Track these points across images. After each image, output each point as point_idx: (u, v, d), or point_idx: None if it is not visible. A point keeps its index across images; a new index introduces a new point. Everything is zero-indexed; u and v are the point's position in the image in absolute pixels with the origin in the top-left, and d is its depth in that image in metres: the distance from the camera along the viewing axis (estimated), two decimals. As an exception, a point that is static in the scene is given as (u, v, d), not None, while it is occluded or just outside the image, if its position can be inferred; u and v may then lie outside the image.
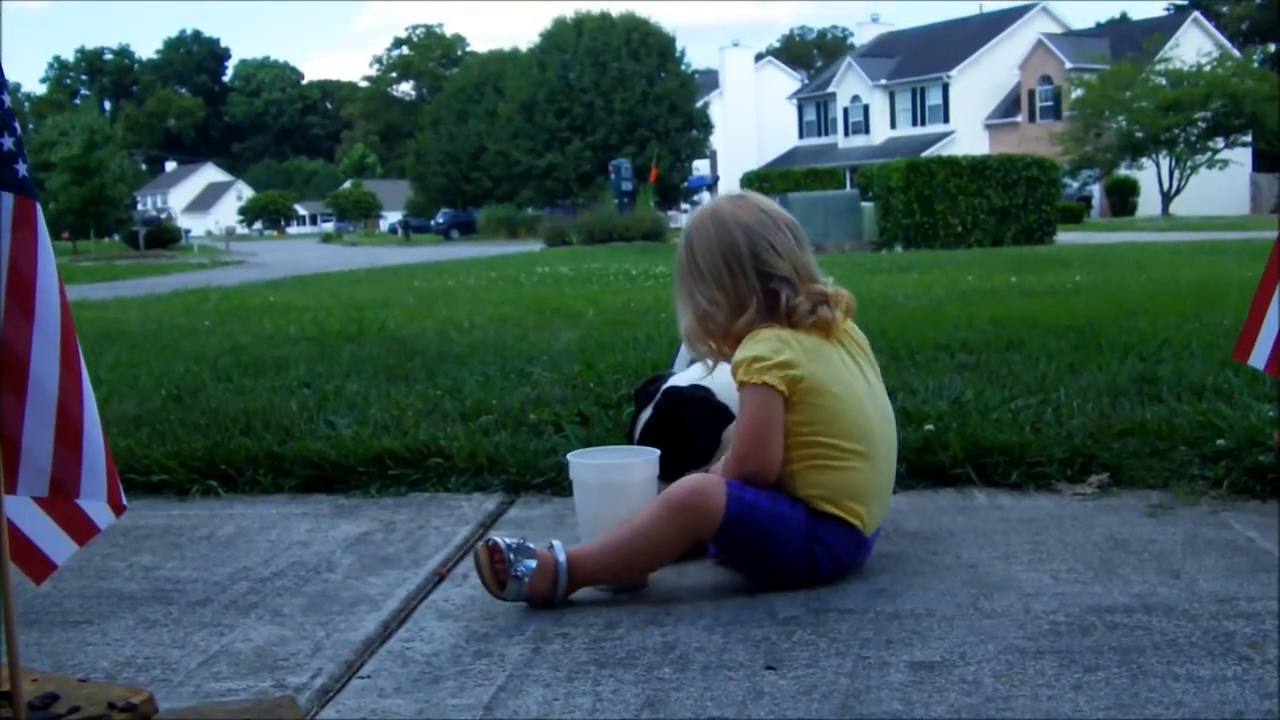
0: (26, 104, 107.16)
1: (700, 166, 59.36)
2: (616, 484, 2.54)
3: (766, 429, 2.40)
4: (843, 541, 2.42)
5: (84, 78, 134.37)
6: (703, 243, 2.49)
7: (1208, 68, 46.00)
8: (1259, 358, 2.88)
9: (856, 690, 1.89)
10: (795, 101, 67.71)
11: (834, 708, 1.82)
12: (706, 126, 57.97)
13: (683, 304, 2.54)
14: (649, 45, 55.79)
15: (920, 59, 61.07)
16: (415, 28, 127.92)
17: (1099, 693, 1.84)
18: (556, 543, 2.38)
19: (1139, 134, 45.85)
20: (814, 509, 2.39)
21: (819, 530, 2.39)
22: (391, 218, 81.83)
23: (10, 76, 1.55)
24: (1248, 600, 2.25)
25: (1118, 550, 2.60)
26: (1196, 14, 57.46)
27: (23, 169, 1.53)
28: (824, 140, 64.04)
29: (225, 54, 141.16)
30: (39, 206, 1.55)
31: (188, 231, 69.08)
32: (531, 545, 2.35)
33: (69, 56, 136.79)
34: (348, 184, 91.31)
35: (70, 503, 1.63)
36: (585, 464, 2.60)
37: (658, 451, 2.61)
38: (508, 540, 2.33)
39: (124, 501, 1.67)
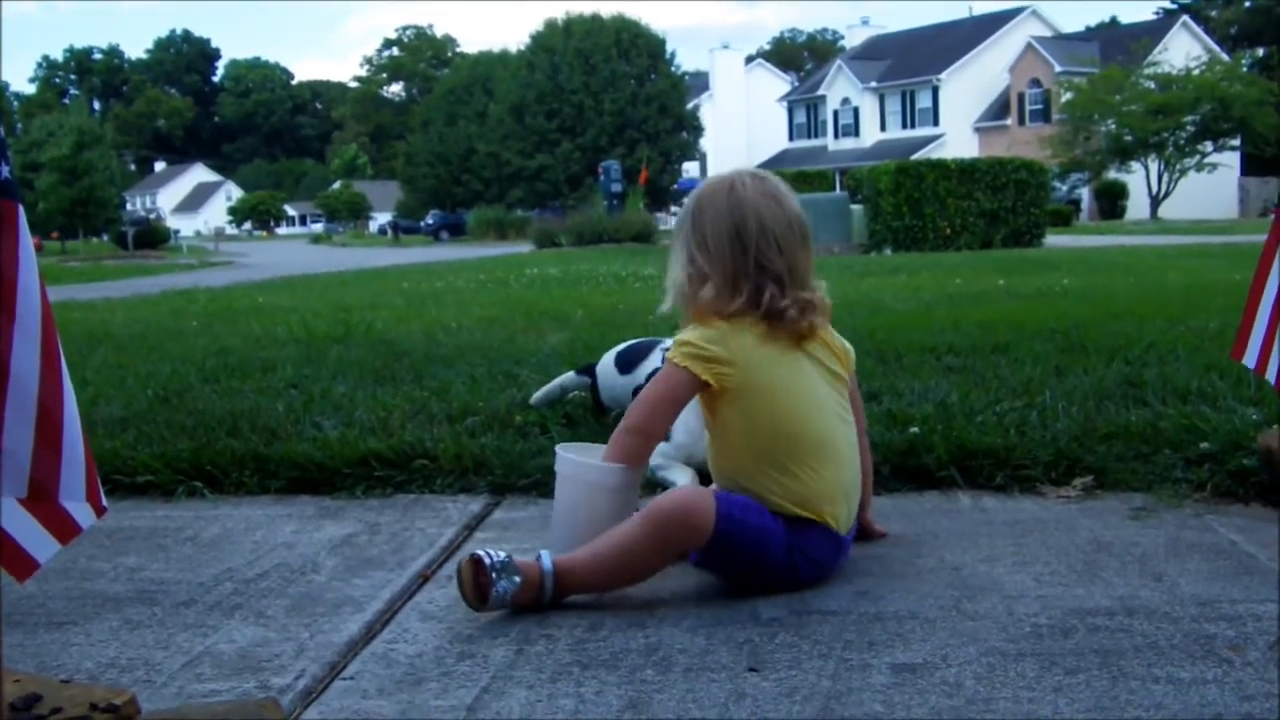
0: (15, 103, 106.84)
1: (690, 168, 59.42)
2: (598, 485, 2.52)
3: (662, 404, 2.44)
4: (821, 546, 2.42)
5: (73, 77, 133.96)
6: (714, 212, 2.45)
7: (1196, 71, 46.16)
8: (1250, 357, 2.90)
9: (838, 692, 1.89)
10: (785, 104, 67.85)
11: (816, 709, 1.83)
12: (696, 129, 58.06)
13: (677, 263, 2.51)
14: (639, 47, 55.84)
15: (910, 62, 61.21)
16: (405, 29, 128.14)
17: (1079, 695, 1.85)
18: (544, 553, 2.36)
19: (1128, 137, 46.01)
20: (791, 518, 2.39)
21: (799, 540, 2.39)
22: (381, 219, 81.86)
23: (-2, 76, 1.55)
24: (1229, 603, 2.26)
25: (1101, 553, 2.61)
26: (1185, 18, 57.71)
27: (5, 170, 1.53)
28: (814, 142, 64.16)
29: (215, 54, 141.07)
30: (21, 208, 1.54)
31: (177, 232, 69.10)
32: (517, 561, 2.30)
33: (58, 56, 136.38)
34: (337, 185, 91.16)
35: (53, 502, 1.63)
36: (573, 460, 2.57)
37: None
38: (493, 556, 2.29)
39: (104, 502, 1.67)
